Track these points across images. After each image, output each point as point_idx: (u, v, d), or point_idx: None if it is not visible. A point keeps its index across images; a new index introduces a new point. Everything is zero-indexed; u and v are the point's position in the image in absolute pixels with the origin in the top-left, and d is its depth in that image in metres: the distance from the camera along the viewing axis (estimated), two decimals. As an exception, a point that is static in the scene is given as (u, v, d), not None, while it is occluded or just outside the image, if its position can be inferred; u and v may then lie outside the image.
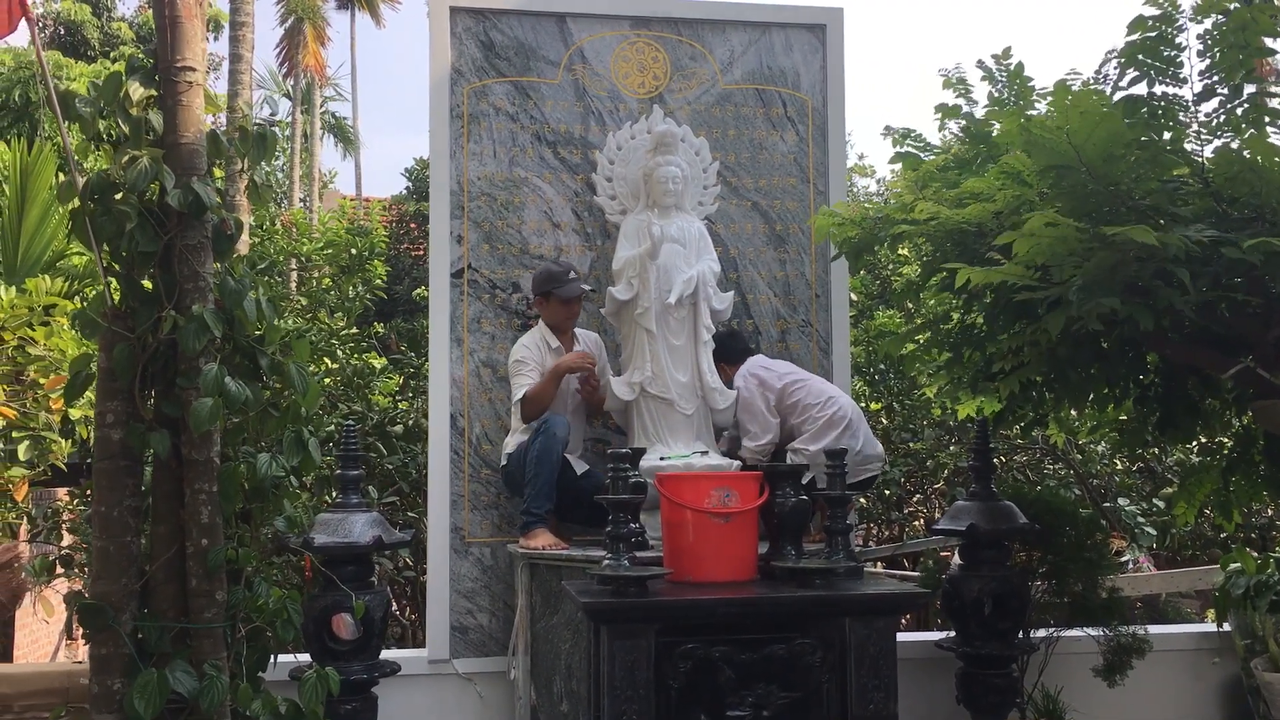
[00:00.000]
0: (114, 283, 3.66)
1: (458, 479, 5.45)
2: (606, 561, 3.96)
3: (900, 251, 10.19)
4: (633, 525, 4.47)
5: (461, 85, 5.63)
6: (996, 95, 4.90)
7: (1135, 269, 3.49)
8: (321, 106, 28.99)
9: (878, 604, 3.87)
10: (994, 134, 4.62)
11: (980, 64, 4.88)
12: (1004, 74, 4.86)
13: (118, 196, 3.57)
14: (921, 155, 5.04)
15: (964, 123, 4.97)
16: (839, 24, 5.94)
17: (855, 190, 19.98)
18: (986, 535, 4.93)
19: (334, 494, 4.80)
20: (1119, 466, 8.11)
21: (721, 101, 5.84)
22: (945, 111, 4.96)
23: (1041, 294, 3.60)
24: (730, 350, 5.36)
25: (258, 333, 3.78)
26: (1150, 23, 3.45)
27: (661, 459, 4.90)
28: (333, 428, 6.28)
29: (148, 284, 3.67)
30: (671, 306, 5.07)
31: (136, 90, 3.67)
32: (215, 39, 12.46)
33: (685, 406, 5.08)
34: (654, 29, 5.80)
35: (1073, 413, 5.46)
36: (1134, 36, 3.51)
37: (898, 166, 5.14)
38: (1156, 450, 7.73)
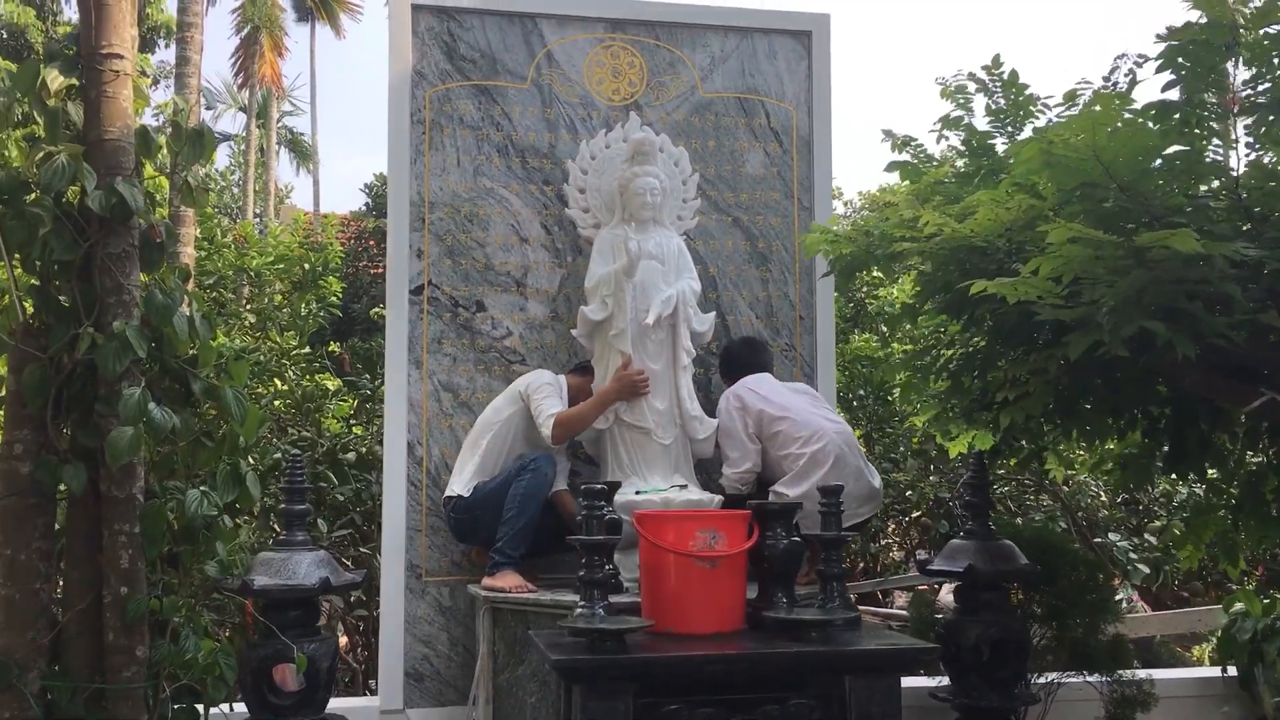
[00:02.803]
0: (25, 295, 3.23)
1: (414, 511, 5.03)
2: (579, 611, 3.57)
3: (874, 273, 9.93)
4: (608, 569, 4.09)
5: (423, 89, 5.24)
6: (994, 107, 4.61)
7: (1169, 290, 3.15)
8: (279, 121, 28.43)
9: (881, 660, 3.49)
10: (1006, 152, 4.29)
11: (972, 76, 4.59)
12: (997, 84, 4.57)
13: (30, 198, 3.15)
14: (920, 166, 4.72)
15: (963, 135, 4.68)
16: (825, 31, 5.62)
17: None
18: (986, 577, 4.57)
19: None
20: (1103, 498, 7.82)
21: (701, 111, 5.49)
22: (946, 122, 4.65)
23: (1067, 314, 3.25)
24: (731, 363, 5.02)
25: (190, 353, 3.36)
26: (1198, 29, 3.13)
27: (637, 493, 4.52)
28: (280, 455, 5.84)
29: (64, 298, 3.25)
30: (649, 328, 4.70)
31: (55, 79, 3.26)
32: (167, 46, 11.96)
33: (663, 436, 4.71)
34: (630, 32, 5.44)
35: (1079, 447, 5.15)
36: (1176, 42, 3.20)
37: (867, 188, 4.83)
38: (1144, 481, 7.43)
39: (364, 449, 6.15)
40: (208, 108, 28.61)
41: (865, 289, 9.91)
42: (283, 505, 4.32)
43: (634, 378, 4.62)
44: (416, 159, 5.20)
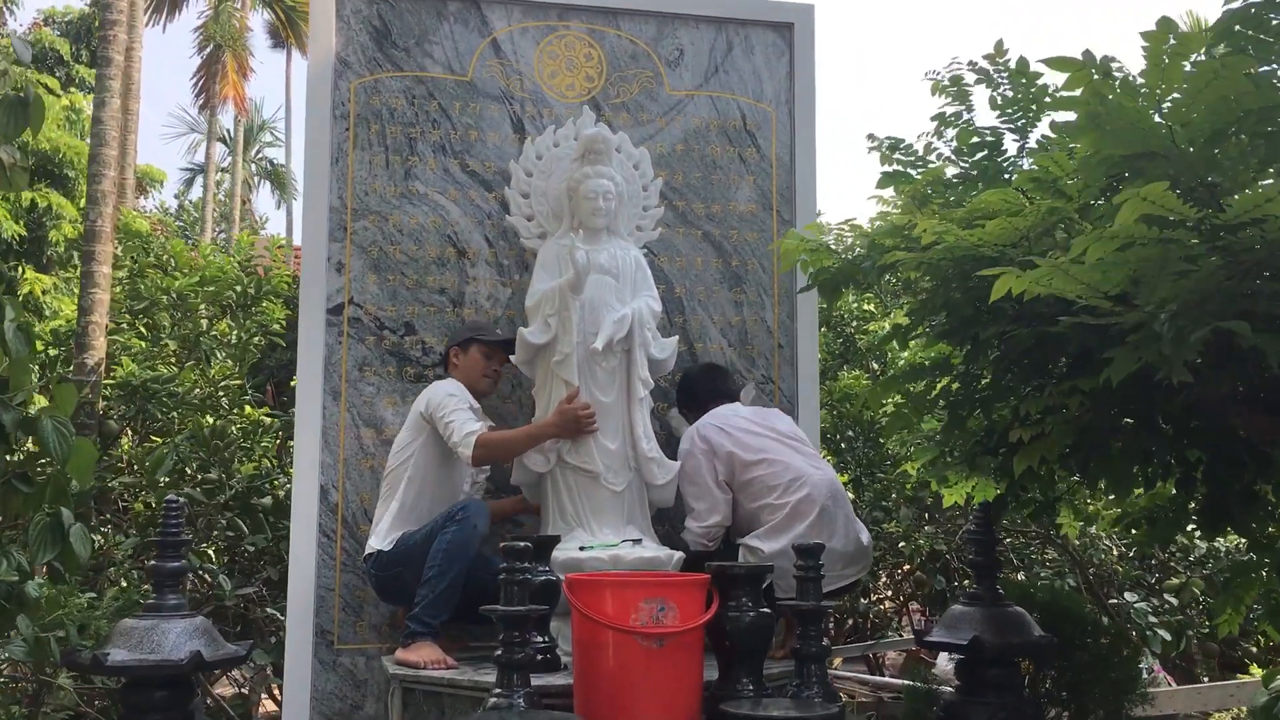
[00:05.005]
0: None
1: (327, 567, 4.32)
2: (493, 702, 2.88)
3: (866, 307, 9.28)
4: (537, 642, 3.41)
5: (348, 78, 4.58)
6: (1000, 100, 3.97)
7: (1253, 285, 2.44)
8: (258, 152, 27.80)
9: (869, 769, 2.78)
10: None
11: (972, 65, 3.96)
12: (1003, 74, 3.93)
13: None
14: (913, 174, 4.07)
15: (959, 134, 4.04)
16: (809, 23, 4.98)
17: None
18: (993, 650, 3.87)
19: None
20: (1115, 553, 7.10)
21: (668, 110, 4.83)
22: (943, 121, 4.00)
23: (1112, 320, 2.56)
24: (696, 395, 4.33)
25: (-5, 374, 2.66)
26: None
27: (581, 549, 3.82)
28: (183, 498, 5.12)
29: None
30: (599, 353, 4.02)
31: None
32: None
33: (614, 481, 4.01)
34: (587, 20, 4.80)
35: (1097, 498, 4.47)
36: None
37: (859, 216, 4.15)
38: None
39: (284, 492, 5.44)
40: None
41: (855, 323, 9.22)
42: (152, 562, 3.61)
43: (578, 412, 3.92)
44: (339, 159, 4.53)
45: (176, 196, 26.32)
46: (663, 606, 2.96)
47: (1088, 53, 2.85)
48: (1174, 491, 4.14)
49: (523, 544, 3.01)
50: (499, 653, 2.93)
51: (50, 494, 2.76)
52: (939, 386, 4.08)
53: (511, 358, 4.23)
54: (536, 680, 3.22)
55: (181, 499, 3.66)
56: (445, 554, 3.79)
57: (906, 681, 4.90)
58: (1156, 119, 2.41)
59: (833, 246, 3.69)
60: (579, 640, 3.07)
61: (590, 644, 3.01)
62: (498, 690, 2.91)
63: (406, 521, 4.00)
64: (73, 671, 3.54)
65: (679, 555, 3.94)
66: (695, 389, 4.35)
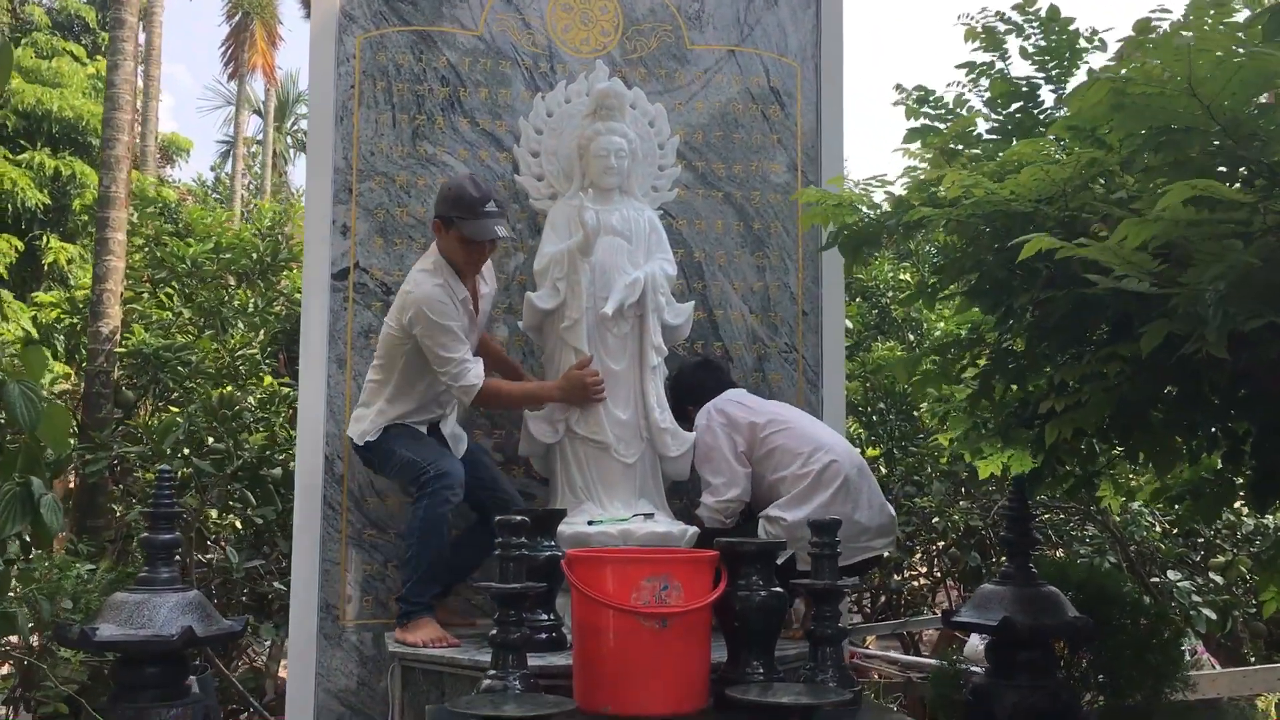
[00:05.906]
0: None
1: (332, 541, 4.17)
2: (486, 684, 2.72)
3: (903, 276, 9.02)
4: (540, 621, 3.26)
5: (353, 34, 4.40)
6: (1032, 49, 3.74)
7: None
8: (294, 125, 27.74)
9: (885, 761, 2.60)
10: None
11: (1001, 15, 3.72)
12: (1034, 23, 3.69)
13: None
14: (942, 127, 3.85)
15: (990, 89, 3.81)
16: (838, -27, 4.74)
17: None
18: (1026, 632, 3.66)
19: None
20: (1158, 530, 6.84)
21: (688, 66, 4.62)
22: (974, 70, 3.77)
23: (1153, 288, 2.35)
24: (699, 388, 4.14)
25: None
26: None
27: (590, 523, 3.65)
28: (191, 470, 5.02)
29: None
30: (609, 319, 3.84)
31: None
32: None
33: (625, 453, 3.84)
34: (603, -28, 4.59)
35: (1139, 472, 4.24)
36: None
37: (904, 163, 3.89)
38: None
39: (294, 464, 5.31)
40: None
41: (890, 293, 8.97)
42: (144, 534, 3.49)
43: (585, 379, 3.74)
44: (344, 118, 4.37)
45: (213, 169, 26.35)
46: (666, 585, 2.78)
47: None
48: (1220, 465, 3.93)
49: (519, 518, 2.85)
50: (494, 632, 2.78)
51: (22, 463, 2.63)
52: (967, 356, 3.88)
53: (520, 323, 4.07)
54: (539, 661, 3.08)
55: (172, 470, 3.54)
56: (420, 532, 3.65)
57: (932, 670, 4.71)
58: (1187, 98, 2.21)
59: (857, 204, 3.48)
60: (578, 620, 2.90)
61: (590, 624, 2.84)
62: (492, 672, 2.76)
63: (398, 406, 3.87)
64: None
65: (693, 531, 3.76)
66: (707, 383, 4.14)
